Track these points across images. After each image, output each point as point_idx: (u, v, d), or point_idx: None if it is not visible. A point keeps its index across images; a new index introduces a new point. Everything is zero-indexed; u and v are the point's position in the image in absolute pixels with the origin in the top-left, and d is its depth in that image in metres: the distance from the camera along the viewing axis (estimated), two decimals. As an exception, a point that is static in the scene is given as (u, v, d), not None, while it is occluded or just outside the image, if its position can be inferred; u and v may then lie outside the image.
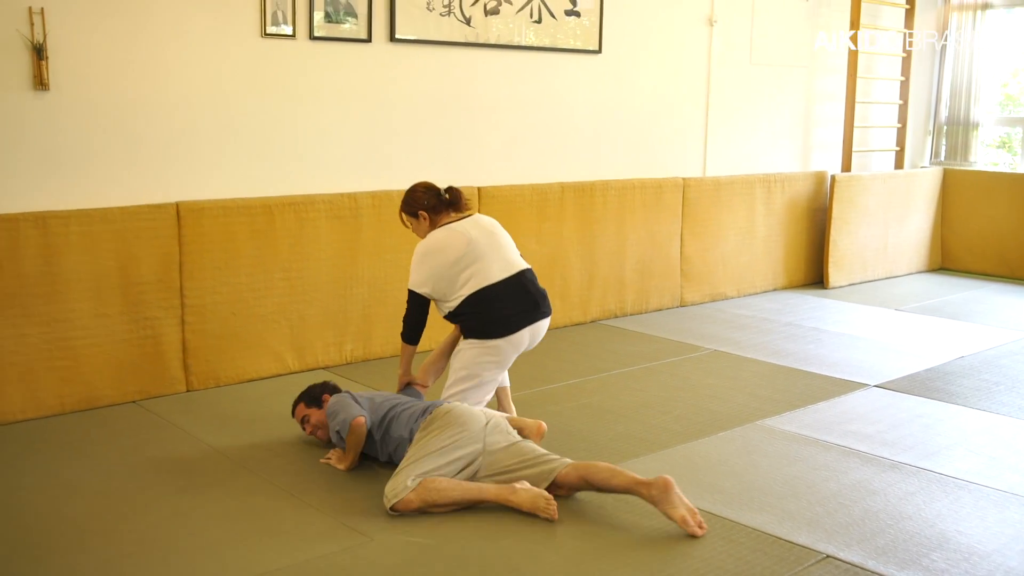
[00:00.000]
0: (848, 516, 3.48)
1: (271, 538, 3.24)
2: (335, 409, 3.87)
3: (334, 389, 4.12)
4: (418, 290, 4.09)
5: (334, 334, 5.32)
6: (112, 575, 2.98)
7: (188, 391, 4.84)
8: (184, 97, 4.77)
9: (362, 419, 3.73)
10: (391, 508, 3.40)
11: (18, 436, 4.20)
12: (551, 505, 3.40)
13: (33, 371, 4.39)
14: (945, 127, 9.07)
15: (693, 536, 3.29)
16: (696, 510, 3.36)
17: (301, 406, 4.12)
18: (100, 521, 3.36)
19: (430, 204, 4.15)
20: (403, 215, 4.23)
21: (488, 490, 3.47)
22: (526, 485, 3.47)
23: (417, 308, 4.12)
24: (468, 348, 4.07)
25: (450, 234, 4.07)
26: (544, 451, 3.61)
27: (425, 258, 4.07)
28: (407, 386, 4.21)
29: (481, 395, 4.07)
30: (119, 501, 3.53)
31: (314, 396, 4.10)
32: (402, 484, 3.41)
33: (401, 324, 4.17)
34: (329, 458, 3.90)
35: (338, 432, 3.82)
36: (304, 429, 4.11)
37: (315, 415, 4.04)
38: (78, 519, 3.38)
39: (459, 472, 3.54)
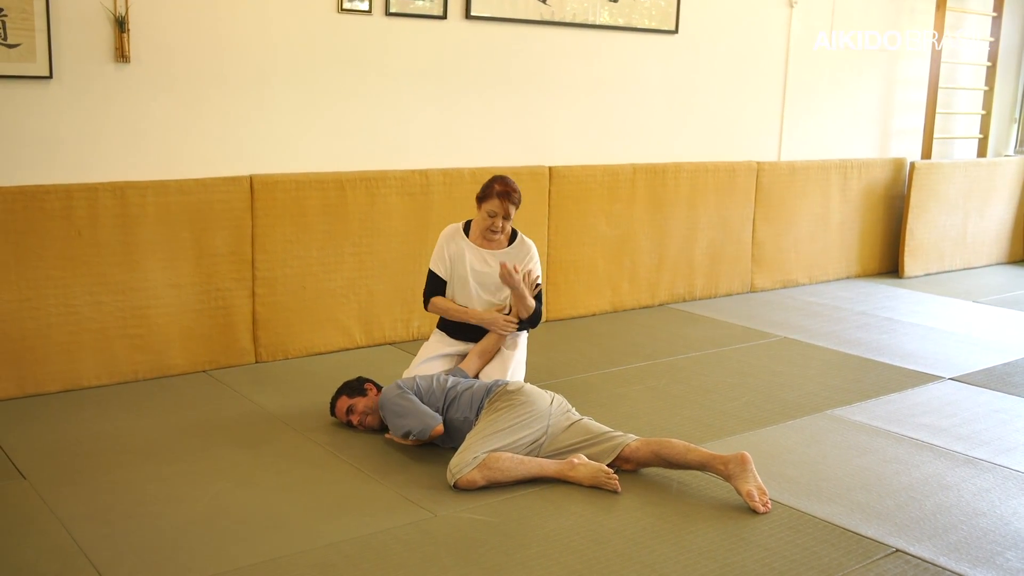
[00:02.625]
0: (920, 510, 3.40)
1: (335, 511, 3.27)
2: (399, 410, 3.72)
3: (372, 381, 4.07)
4: None
5: (402, 310, 5.35)
6: (178, 542, 3.03)
7: (257, 362, 4.90)
8: (260, 71, 4.81)
9: (441, 428, 3.68)
10: (454, 484, 3.41)
11: (92, 400, 4.30)
12: (612, 478, 3.44)
13: (108, 338, 4.48)
14: (1032, 115, 8.79)
15: (755, 512, 3.30)
16: (766, 490, 3.38)
17: (343, 399, 4.01)
18: (167, 488, 3.42)
19: None
20: (514, 211, 4.25)
21: (549, 466, 3.51)
22: (584, 459, 3.50)
23: None
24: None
25: None
26: (607, 428, 3.65)
27: None
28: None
29: None
30: (187, 468, 3.60)
31: (355, 388, 4.02)
32: (467, 459, 3.43)
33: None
34: (393, 436, 3.90)
35: (407, 432, 3.71)
36: (350, 421, 3.99)
37: (362, 402, 3.96)
38: (146, 485, 3.44)
39: (524, 450, 3.55)
